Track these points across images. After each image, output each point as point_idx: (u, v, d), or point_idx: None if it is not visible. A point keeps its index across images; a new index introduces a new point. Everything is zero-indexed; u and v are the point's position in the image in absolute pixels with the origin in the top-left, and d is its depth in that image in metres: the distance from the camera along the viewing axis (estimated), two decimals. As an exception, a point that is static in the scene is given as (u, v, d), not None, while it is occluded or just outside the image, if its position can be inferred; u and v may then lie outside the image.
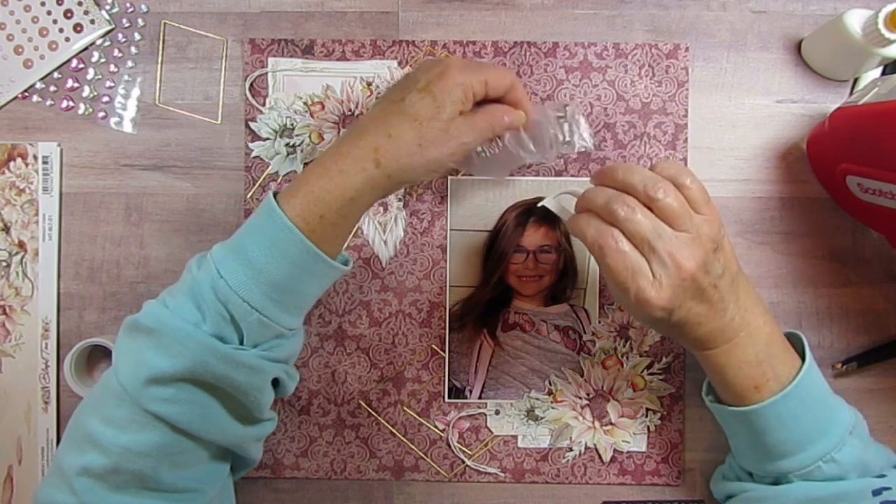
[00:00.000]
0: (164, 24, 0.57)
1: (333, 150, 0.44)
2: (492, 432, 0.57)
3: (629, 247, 0.40)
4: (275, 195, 0.43)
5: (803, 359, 0.46)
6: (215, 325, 0.41)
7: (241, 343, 0.43)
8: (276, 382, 0.46)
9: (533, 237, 0.57)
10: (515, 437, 0.57)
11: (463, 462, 0.57)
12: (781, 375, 0.45)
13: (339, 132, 0.57)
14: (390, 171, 0.43)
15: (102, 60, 0.57)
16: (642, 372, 0.56)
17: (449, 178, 0.57)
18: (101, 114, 0.57)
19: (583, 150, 0.54)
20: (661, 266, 0.40)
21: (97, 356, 0.58)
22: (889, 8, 0.49)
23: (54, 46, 0.57)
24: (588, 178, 0.50)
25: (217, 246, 0.43)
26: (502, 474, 0.57)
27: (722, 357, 0.45)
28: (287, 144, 0.57)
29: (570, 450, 0.57)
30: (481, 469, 0.57)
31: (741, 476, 0.51)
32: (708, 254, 0.41)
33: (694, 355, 0.47)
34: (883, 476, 0.45)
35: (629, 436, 0.56)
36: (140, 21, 0.58)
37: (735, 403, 0.46)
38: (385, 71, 0.57)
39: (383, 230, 0.57)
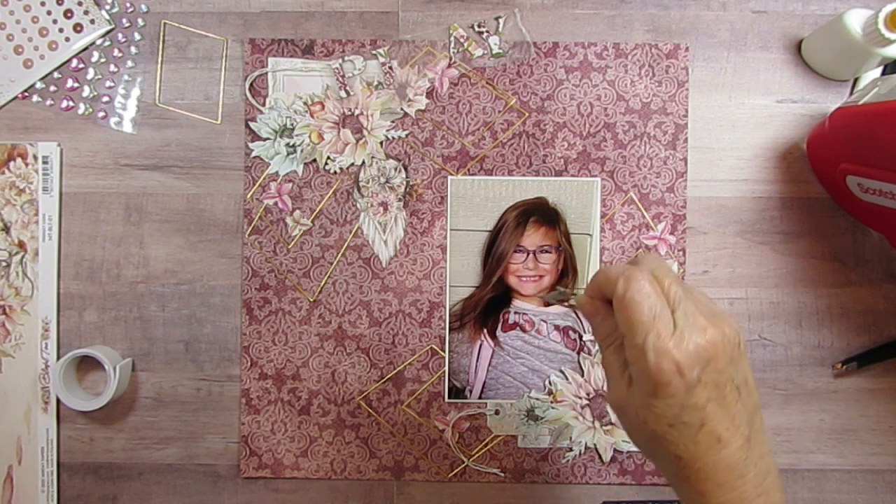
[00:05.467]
0: (164, 24, 0.57)
1: None
2: (492, 432, 0.57)
3: (656, 289, 0.34)
4: None
5: None
6: None
7: None
8: None
9: (533, 237, 0.57)
10: (515, 437, 0.57)
11: (463, 462, 0.57)
12: None
13: (338, 132, 0.57)
14: None
15: (102, 60, 0.57)
16: (642, 372, 0.56)
17: (449, 177, 0.57)
18: (101, 114, 0.57)
19: None
20: (684, 318, 0.33)
21: (86, 366, 0.57)
22: (889, 8, 0.49)
23: (54, 46, 0.57)
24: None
25: None
26: (502, 474, 0.57)
27: None
28: (287, 144, 0.57)
29: (570, 450, 0.57)
30: (481, 469, 0.57)
31: None
32: (729, 340, 0.34)
33: None
34: None
35: (629, 436, 0.56)
36: (140, 21, 0.58)
37: None
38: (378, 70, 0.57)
39: (383, 230, 0.57)
